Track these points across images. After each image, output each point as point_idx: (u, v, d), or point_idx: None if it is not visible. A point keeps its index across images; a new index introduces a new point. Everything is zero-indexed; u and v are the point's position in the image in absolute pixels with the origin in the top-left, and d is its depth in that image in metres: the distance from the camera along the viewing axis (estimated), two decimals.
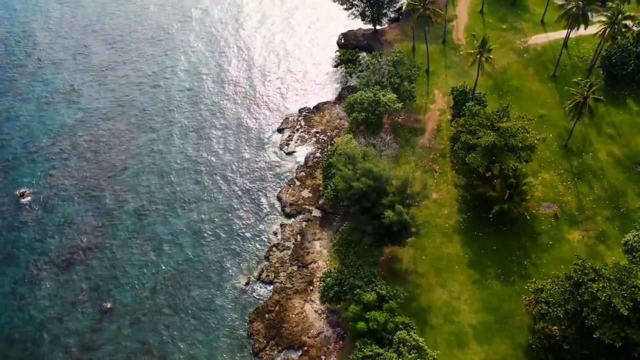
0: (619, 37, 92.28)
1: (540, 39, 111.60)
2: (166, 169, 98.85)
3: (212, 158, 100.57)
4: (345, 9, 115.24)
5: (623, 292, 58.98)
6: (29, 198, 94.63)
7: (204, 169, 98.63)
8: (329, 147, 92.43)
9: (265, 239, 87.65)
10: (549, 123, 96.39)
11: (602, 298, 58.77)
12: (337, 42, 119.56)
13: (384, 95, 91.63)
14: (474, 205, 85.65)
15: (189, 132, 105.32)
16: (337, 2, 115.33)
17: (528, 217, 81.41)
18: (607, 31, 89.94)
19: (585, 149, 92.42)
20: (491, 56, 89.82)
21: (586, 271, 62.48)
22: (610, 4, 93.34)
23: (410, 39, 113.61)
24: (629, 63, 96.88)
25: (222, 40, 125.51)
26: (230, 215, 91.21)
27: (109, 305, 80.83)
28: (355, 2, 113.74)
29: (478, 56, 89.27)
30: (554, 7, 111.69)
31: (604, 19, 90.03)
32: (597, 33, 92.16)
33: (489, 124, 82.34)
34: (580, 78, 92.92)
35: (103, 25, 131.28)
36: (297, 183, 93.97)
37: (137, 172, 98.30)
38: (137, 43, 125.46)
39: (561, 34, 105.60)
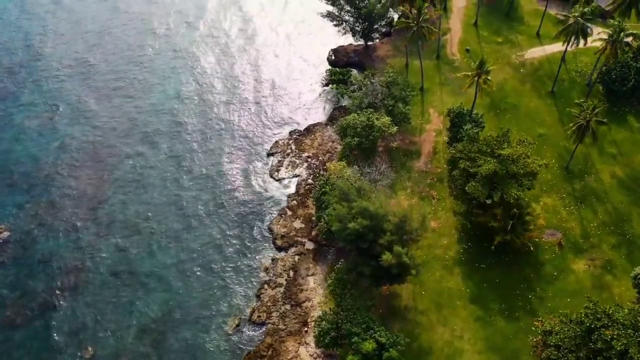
0: (619, 52, 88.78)
1: (536, 52, 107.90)
2: (149, 200, 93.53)
3: (199, 187, 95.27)
4: (335, 25, 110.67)
5: (639, 339, 55.33)
6: (5, 234, 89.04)
7: (190, 200, 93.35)
8: (322, 173, 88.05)
9: (256, 275, 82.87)
10: (549, 142, 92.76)
11: (618, 348, 55.07)
12: (327, 59, 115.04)
13: (377, 119, 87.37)
14: (475, 234, 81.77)
15: (173, 160, 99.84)
16: (327, 19, 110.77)
17: (532, 248, 77.74)
18: (607, 48, 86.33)
19: (587, 171, 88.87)
20: (489, 77, 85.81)
21: (598, 316, 58.74)
22: (611, 21, 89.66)
23: (402, 54, 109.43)
24: (629, 79, 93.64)
25: (211, 58, 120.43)
26: (218, 249, 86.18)
27: (90, 351, 75.94)
28: (345, 18, 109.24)
29: (476, 78, 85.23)
30: (549, 18, 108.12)
31: (605, 36, 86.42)
32: (597, 50, 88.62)
33: (488, 150, 78.48)
34: (582, 100, 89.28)
35: (97, 39, 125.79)
36: (289, 213, 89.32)
37: (119, 204, 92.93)
38: (117, 61, 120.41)
39: (558, 47, 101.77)
